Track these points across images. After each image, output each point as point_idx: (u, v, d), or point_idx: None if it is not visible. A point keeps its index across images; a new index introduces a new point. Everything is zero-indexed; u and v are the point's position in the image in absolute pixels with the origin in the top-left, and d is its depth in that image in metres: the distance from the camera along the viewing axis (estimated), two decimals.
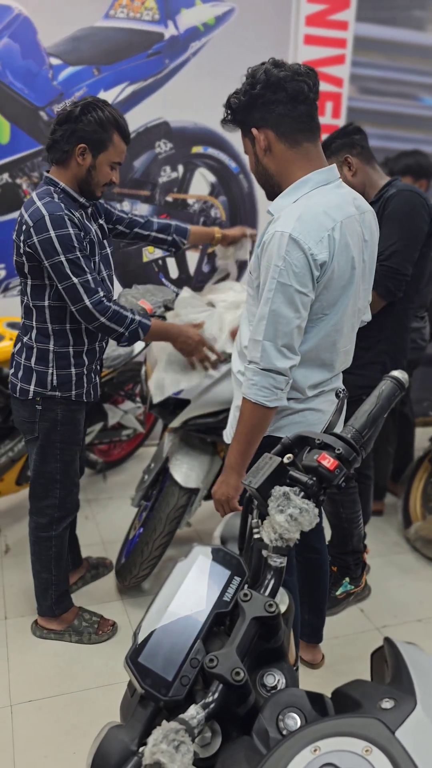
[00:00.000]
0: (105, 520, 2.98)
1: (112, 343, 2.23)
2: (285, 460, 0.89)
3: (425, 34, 3.62)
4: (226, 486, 1.57)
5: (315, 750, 0.60)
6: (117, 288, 2.94)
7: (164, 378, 2.23)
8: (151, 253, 3.46)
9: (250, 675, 0.72)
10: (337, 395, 1.08)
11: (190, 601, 0.78)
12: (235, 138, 3.31)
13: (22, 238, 1.82)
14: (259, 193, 3.47)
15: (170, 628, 0.76)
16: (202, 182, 3.44)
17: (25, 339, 1.97)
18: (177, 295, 2.41)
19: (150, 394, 2.30)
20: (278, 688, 0.77)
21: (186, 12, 3.16)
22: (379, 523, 3.07)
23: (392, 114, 3.69)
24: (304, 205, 1.41)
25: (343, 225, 1.43)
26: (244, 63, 1.53)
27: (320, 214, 1.40)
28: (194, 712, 0.67)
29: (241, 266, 2.77)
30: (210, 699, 0.69)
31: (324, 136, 1.87)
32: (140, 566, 2.31)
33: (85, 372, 2.01)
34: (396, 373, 0.96)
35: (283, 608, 0.84)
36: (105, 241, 2.03)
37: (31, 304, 1.92)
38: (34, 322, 1.94)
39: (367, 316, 1.72)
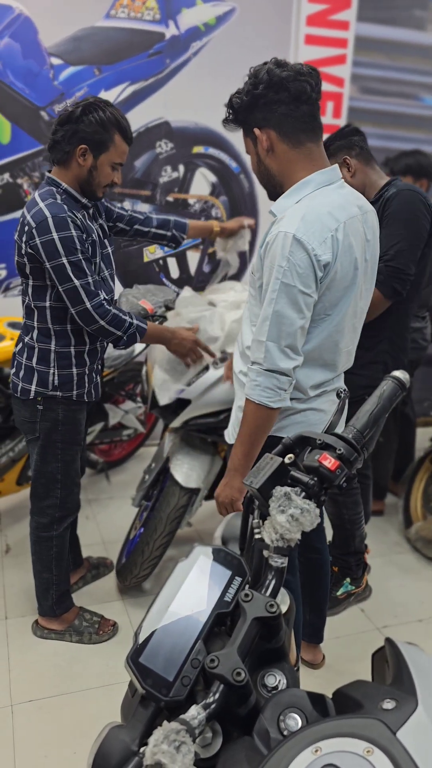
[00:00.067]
0: (106, 520, 2.98)
1: None
2: (286, 460, 0.89)
3: (426, 34, 3.62)
4: (230, 488, 1.57)
5: (316, 750, 0.60)
6: (118, 288, 2.94)
7: (168, 379, 2.24)
8: (152, 253, 3.46)
9: (251, 675, 0.72)
10: (338, 395, 1.08)
11: (191, 602, 0.78)
12: (236, 138, 3.31)
13: (24, 239, 1.82)
14: (260, 193, 3.48)
15: (171, 628, 0.76)
16: (202, 182, 3.44)
17: (27, 339, 1.97)
18: (178, 295, 2.41)
19: (153, 394, 2.30)
20: (279, 689, 0.76)
21: (187, 12, 3.16)
22: (380, 523, 3.07)
23: (393, 114, 3.69)
24: (308, 206, 1.41)
25: (347, 225, 1.43)
26: (245, 63, 1.53)
27: (324, 215, 1.40)
28: (195, 713, 0.67)
29: (242, 257, 2.77)
30: (211, 699, 0.69)
31: (323, 137, 1.86)
32: (141, 566, 2.31)
33: (87, 372, 2.01)
34: (397, 373, 0.96)
35: (284, 608, 0.84)
36: (106, 241, 2.04)
37: (32, 305, 1.92)
38: (35, 322, 1.94)
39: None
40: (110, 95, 3.11)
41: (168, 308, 2.32)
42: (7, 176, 3.06)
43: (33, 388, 1.96)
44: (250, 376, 1.46)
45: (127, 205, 3.31)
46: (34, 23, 2.94)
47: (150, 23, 3.12)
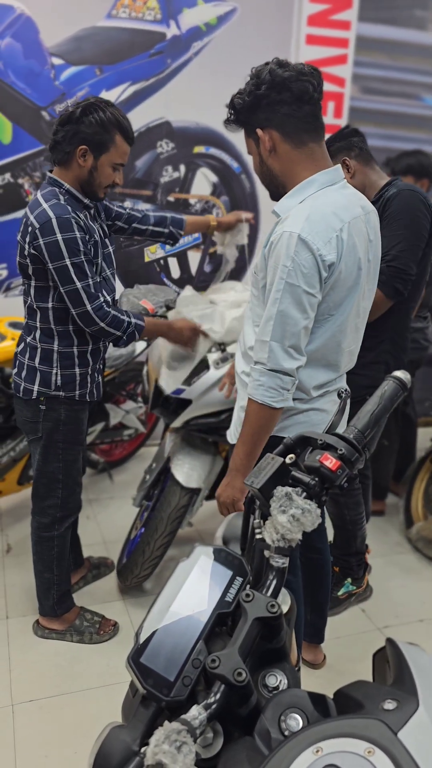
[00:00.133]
0: (106, 520, 2.98)
1: None
2: (287, 460, 0.89)
3: (427, 34, 3.61)
4: (232, 488, 1.56)
5: (317, 751, 0.60)
6: (119, 288, 2.94)
7: (172, 372, 2.25)
8: (153, 252, 3.46)
9: (252, 675, 0.72)
10: (339, 395, 1.08)
11: (192, 602, 0.78)
12: (237, 138, 3.31)
13: (27, 239, 1.82)
14: (261, 193, 3.48)
15: (172, 628, 0.76)
16: (203, 182, 3.44)
17: (29, 339, 1.97)
18: (178, 294, 2.42)
19: (154, 392, 2.30)
20: (280, 689, 0.76)
21: (188, 12, 3.16)
22: (381, 523, 3.07)
23: (394, 114, 3.69)
24: (312, 206, 1.40)
25: (351, 226, 1.43)
26: (246, 63, 1.53)
27: (329, 215, 1.40)
28: (196, 713, 0.67)
29: (241, 254, 2.76)
30: (212, 699, 0.69)
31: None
32: (142, 566, 2.31)
33: (89, 372, 2.02)
34: (398, 373, 0.96)
35: (285, 609, 0.84)
36: (107, 240, 2.04)
37: (34, 306, 1.92)
38: (37, 323, 1.94)
39: None
40: (111, 95, 3.12)
41: (169, 308, 2.32)
42: (8, 176, 3.06)
43: (36, 388, 1.96)
44: (253, 375, 1.46)
45: (128, 205, 3.31)
46: (35, 23, 2.94)
47: (151, 23, 3.12)
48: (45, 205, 1.80)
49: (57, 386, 1.96)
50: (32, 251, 1.81)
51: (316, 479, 0.85)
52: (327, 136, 2.13)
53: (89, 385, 2.03)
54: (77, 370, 1.98)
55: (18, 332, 2.60)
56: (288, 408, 1.53)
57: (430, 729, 0.61)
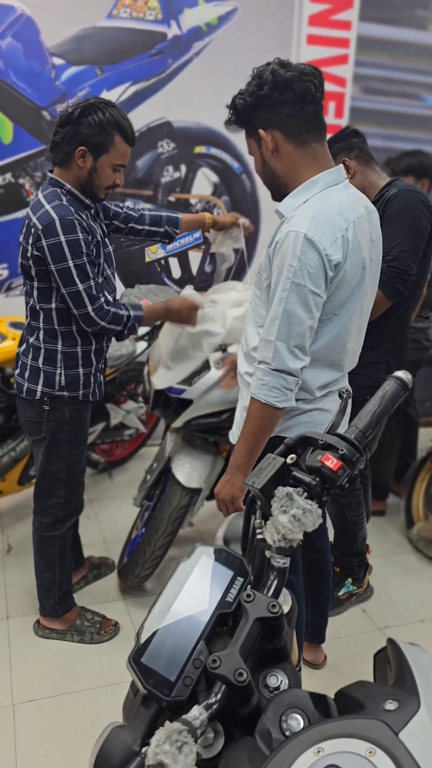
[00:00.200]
0: (107, 520, 2.98)
1: (114, 343, 2.24)
2: (288, 460, 0.89)
3: (428, 34, 3.61)
4: (231, 486, 1.56)
5: (318, 751, 0.60)
6: (119, 287, 2.94)
7: (165, 371, 2.25)
8: (153, 252, 3.46)
9: (253, 676, 0.72)
10: (340, 396, 1.08)
11: (193, 602, 0.78)
12: (237, 138, 3.31)
13: (30, 240, 1.81)
14: (262, 193, 3.48)
15: (173, 628, 0.76)
16: (204, 182, 3.44)
17: (32, 340, 1.97)
18: (179, 294, 2.42)
19: (154, 392, 2.30)
20: (281, 689, 0.76)
21: (189, 12, 3.16)
22: (382, 524, 3.07)
23: (395, 114, 3.69)
24: (317, 206, 1.40)
25: (356, 225, 1.43)
26: (246, 63, 1.54)
27: (334, 215, 1.40)
28: (197, 713, 0.66)
29: (240, 257, 2.75)
30: (213, 700, 0.69)
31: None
32: (142, 566, 2.31)
33: (93, 371, 2.02)
34: (400, 373, 0.96)
35: (285, 609, 0.84)
36: (107, 240, 2.04)
37: (37, 306, 1.92)
38: (40, 324, 1.93)
39: None
40: (112, 95, 3.12)
41: None
42: (8, 176, 3.07)
43: (39, 388, 1.96)
44: (257, 375, 1.46)
45: (129, 205, 3.31)
46: (36, 23, 2.94)
47: (152, 23, 3.13)
48: (48, 207, 1.79)
49: (61, 386, 1.96)
50: (35, 253, 1.81)
51: (317, 479, 0.85)
52: (327, 136, 2.14)
53: (92, 384, 2.03)
54: (81, 369, 1.98)
55: (19, 332, 2.60)
56: (291, 408, 1.53)
57: (431, 729, 0.61)
